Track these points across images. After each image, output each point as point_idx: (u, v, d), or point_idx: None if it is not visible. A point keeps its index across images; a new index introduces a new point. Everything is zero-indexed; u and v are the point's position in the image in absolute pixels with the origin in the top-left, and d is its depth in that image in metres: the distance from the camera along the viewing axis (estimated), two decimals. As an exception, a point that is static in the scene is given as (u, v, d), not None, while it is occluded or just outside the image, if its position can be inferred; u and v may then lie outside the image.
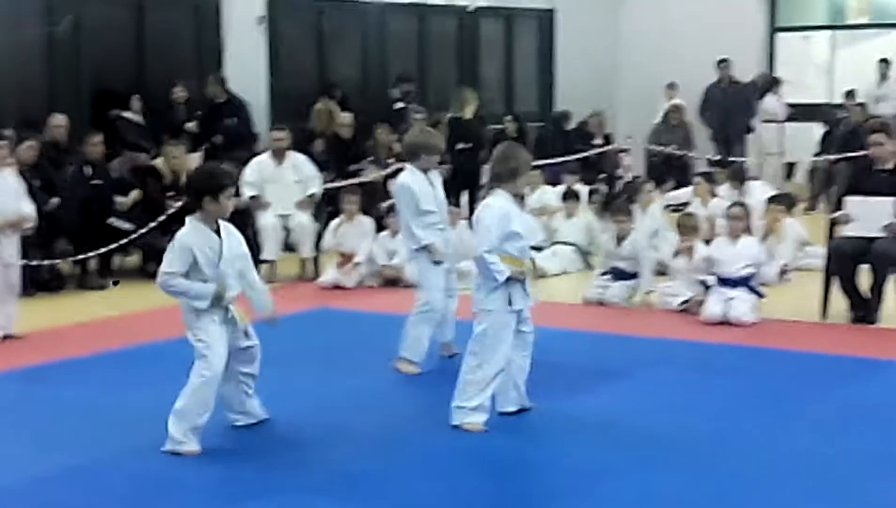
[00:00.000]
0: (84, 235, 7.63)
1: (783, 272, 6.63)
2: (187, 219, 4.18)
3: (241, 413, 4.38)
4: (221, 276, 4.14)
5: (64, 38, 8.88)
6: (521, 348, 4.42)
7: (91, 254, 7.58)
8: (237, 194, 8.16)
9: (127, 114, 9.15)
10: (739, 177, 9.02)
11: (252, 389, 4.39)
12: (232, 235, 4.23)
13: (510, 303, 4.28)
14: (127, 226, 7.78)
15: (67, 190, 7.71)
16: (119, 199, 7.94)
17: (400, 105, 10.47)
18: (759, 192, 8.76)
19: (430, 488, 3.84)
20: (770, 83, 11.93)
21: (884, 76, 11.86)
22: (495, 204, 4.30)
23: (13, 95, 8.61)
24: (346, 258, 7.65)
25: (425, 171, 5.30)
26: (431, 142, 5.32)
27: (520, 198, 4.46)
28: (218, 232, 4.17)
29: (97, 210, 7.81)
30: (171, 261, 4.13)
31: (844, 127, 10.68)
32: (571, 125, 11.68)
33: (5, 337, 6.08)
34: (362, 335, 6.18)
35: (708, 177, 9.02)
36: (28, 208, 6.15)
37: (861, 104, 11.01)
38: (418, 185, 5.23)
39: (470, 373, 4.31)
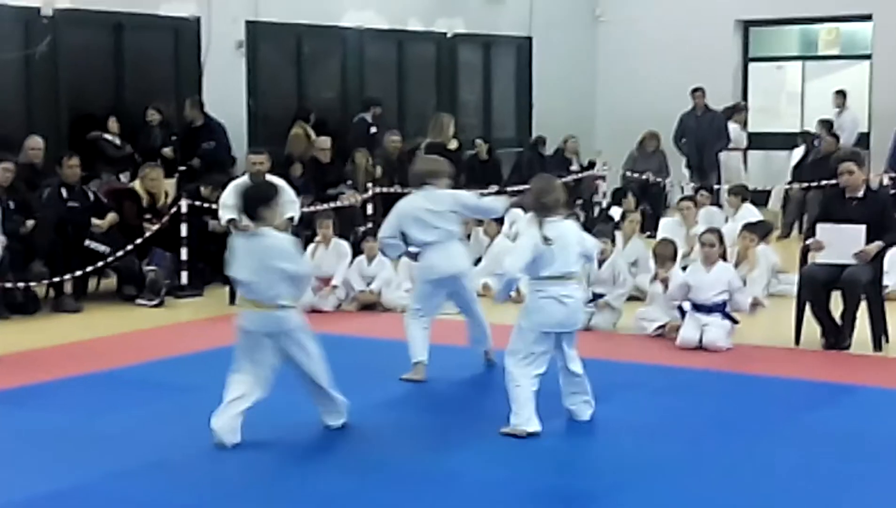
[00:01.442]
0: (59, 257, 7.58)
1: (755, 305, 6.71)
2: None
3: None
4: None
5: (42, 60, 8.86)
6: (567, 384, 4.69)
7: (66, 277, 7.53)
8: (215, 218, 8.22)
9: (107, 136, 9.13)
10: (742, 194, 9.09)
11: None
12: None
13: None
14: (103, 249, 7.74)
15: (43, 212, 7.67)
16: (96, 221, 7.90)
17: (374, 130, 10.53)
18: (747, 217, 8.82)
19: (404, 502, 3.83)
20: (731, 110, 12.10)
21: (840, 107, 12.14)
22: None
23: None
24: (322, 282, 7.65)
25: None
26: (438, 169, 5.59)
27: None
28: None
29: (73, 232, 7.77)
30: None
31: (815, 155, 10.85)
32: (548, 151, 11.79)
33: (-22, 360, 6.02)
34: (339, 358, 6.15)
35: (692, 200, 9.09)
36: None
37: (834, 134, 11.22)
38: (424, 205, 5.50)
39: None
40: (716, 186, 11.04)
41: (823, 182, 9.23)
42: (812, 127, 11.90)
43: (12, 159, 7.76)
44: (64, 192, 7.87)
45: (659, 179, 11.46)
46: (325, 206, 8.85)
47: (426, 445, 4.50)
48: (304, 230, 8.39)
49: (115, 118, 9.16)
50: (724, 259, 6.68)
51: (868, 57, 12.74)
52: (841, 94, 12.31)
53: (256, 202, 4.46)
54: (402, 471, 4.21)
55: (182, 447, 4.48)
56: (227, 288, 8.04)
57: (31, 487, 4.05)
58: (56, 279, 7.51)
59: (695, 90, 11.83)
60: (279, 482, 4.17)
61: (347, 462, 4.36)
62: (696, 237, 7.48)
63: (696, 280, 6.46)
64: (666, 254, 6.91)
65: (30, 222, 7.53)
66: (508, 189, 9.68)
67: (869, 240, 6.07)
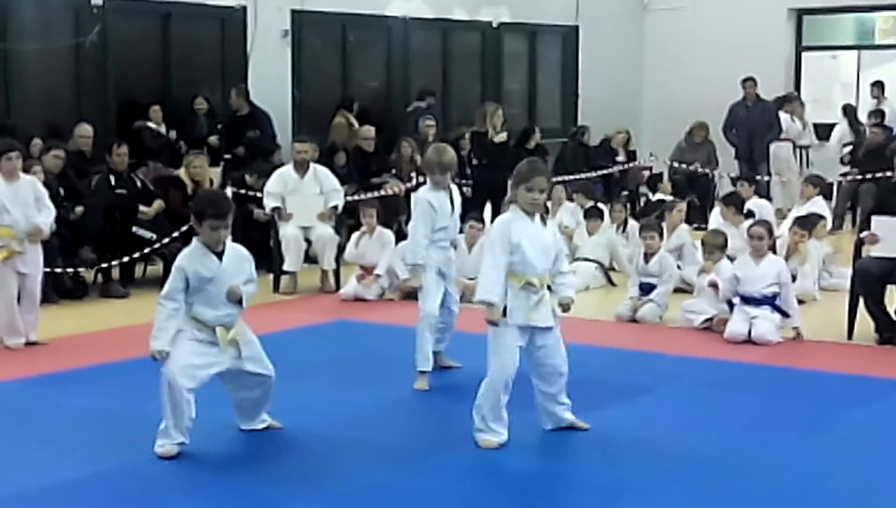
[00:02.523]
0: (108, 243, 7.68)
1: (800, 302, 6.58)
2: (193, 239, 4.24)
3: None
4: (209, 298, 4.16)
5: (91, 49, 8.98)
6: (534, 373, 4.35)
7: (114, 263, 7.63)
8: (260, 206, 8.27)
9: (151, 124, 9.23)
10: (819, 185, 8.89)
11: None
12: (234, 259, 4.21)
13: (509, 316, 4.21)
14: (150, 235, 7.83)
15: (92, 199, 7.77)
16: (142, 208, 7.99)
17: (426, 120, 10.51)
18: (816, 209, 8.62)
19: (446, 502, 3.81)
20: (783, 100, 11.87)
21: (878, 98, 11.86)
22: (504, 219, 4.30)
23: (40, 105, 8.71)
24: (366, 271, 7.65)
25: (446, 187, 5.28)
26: (441, 159, 5.23)
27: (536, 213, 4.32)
28: (220, 254, 4.17)
29: (121, 219, 7.86)
30: (168, 281, 4.22)
31: (867, 147, 10.58)
32: (594, 141, 11.66)
33: (27, 344, 6.11)
34: (381, 347, 6.17)
35: (735, 198, 8.92)
36: (43, 219, 6.13)
37: (884, 126, 10.94)
38: (438, 201, 5.22)
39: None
40: (766, 178, 10.84)
41: (878, 174, 8.99)
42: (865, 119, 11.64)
43: (62, 147, 7.88)
44: (112, 179, 7.96)
45: (707, 171, 11.27)
46: (369, 195, 8.85)
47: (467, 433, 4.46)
48: (348, 219, 8.40)
49: (160, 107, 9.25)
50: (774, 252, 6.54)
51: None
52: (878, 85, 12.00)
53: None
54: (442, 461, 4.18)
55: (220, 431, 4.51)
56: (270, 276, 8.09)
57: (79, 467, 4.11)
58: (104, 265, 7.61)
59: (746, 80, 11.58)
60: (317, 468, 4.15)
61: (384, 452, 4.34)
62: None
63: (744, 273, 6.35)
64: (716, 244, 6.80)
65: (79, 209, 7.64)
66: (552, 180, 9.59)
67: (926, 233, 5.92)
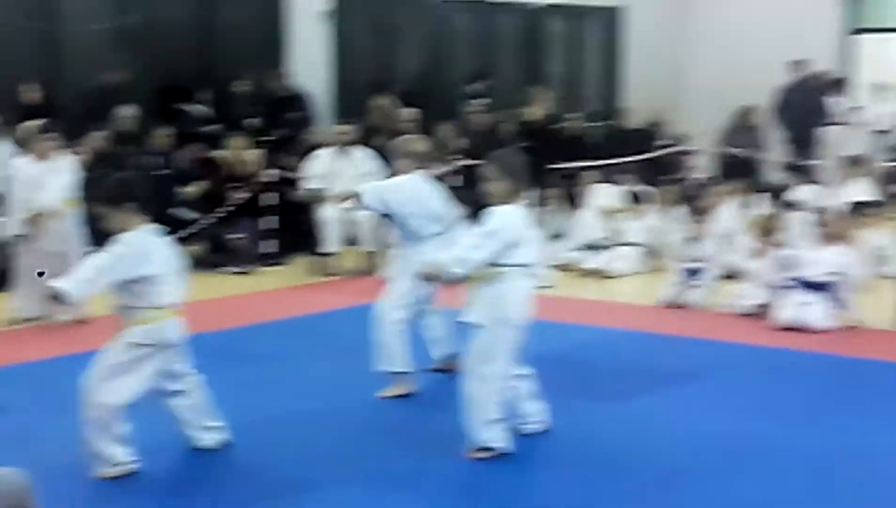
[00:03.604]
0: (153, 221, 7.68)
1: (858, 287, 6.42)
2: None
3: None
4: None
5: (133, 31, 8.99)
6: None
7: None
8: (300, 188, 8.24)
9: (192, 106, 9.22)
10: (865, 168, 8.68)
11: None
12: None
13: None
14: (191, 216, 7.84)
15: (134, 180, 7.78)
16: (184, 189, 8.00)
17: (476, 103, 10.40)
18: (861, 193, 8.42)
19: (470, 479, 3.76)
20: (834, 84, 11.56)
21: None
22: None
23: (84, 87, 8.74)
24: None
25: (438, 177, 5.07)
26: (410, 149, 4.99)
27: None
28: None
29: (162, 200, 7.87)
30: None
31: None
32: (637, 125, 11.46)
33: (75, 321, 6.13)
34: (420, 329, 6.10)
35: (782, 186, 8.73)
36: (52, 198, 6.05)
37: None
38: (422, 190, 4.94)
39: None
40: (815, 163, 10.57)
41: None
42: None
43: (106, 128, 7.90)
44: (154, 160, 7.98)
45: (755, 155, 11.03)
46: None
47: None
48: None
49: (203, 89, 9.24)
50: (839, 240, 6.38)
51: None
52: None
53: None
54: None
55: (260, 412, 4.48)
56: (310, 257, 8.07)
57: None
58: (145, 246, 7.62)
59: (796, 62, 11.31)
60: (358, 448, 4.10)
61: (417, 429, 4.25)
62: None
63: (806, 255, 6.20)
64: (768, 228, 6.64)
65: (121, 190, 7.65)
66: (595, 164, 9.45)
67: None
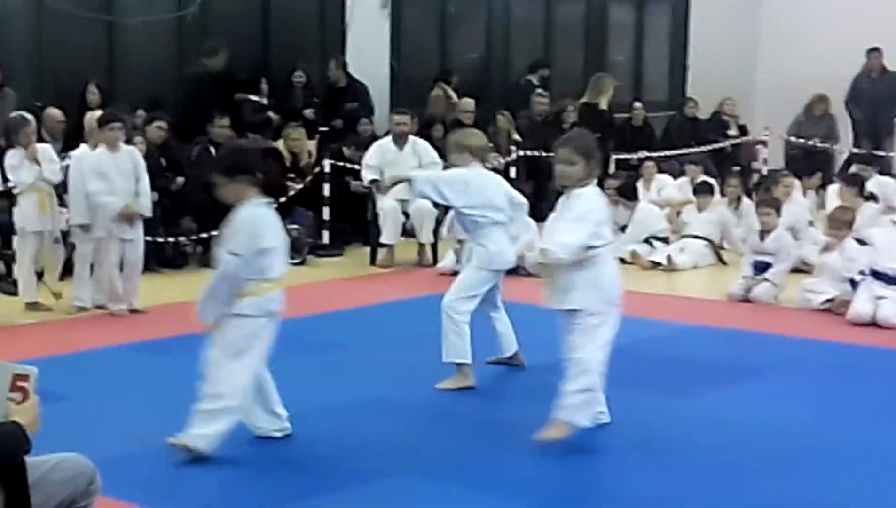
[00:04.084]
0: (207, 214, 7.70)
1: None
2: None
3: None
4: None
5: (192, 22, 9.02)
6: None
7: (214, 233, 7.65)
8: (357, 179, 8.18)
9: (253, 96, 9.24)
10: None
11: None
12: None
13: None
14: (247, 206, 7.83)
15: (193, 170, 7.82)
16: (241, 180, 7.99)
17: (539, 92, 10.26)
18: None
19: (535, 472, 3.68)
20: None
21: None
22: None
23: (144, 77, 8.81)
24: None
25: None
26: (467, 144, 4.86)
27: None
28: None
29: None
30: None
31: None
32: (703, 115, 11.17)
33: (130, 311, 6.17)
34: (477, 322, 5.99)
35: (856, 177, 8.40)
36: (143, 201, 6.14)
37: None
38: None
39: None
40: (891, 154, 10.19)
41: None
42: None
43: (165, 118, 7.94)
44: (213, 150, 7.98)
45: (827, 145, 10.66)
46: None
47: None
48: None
49: (265, 79, 9.24)
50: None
51: None
52: None
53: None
54: (531, 433, 3.98)
55: (317, 402, 4.44)
56: (367, 248, 8.00)
57: (173, 430, 4.06)
58: (204, 235, 7.65)
59: (871, 50, 10.94)
60: (418, 439, 4.00)
61: (475, 423, 4.18)
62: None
63: (885, 243, 5.96)
64: (842, 220, 6.39)
65: (180, 180, 7.69)
66: (658, 155, 9.23)
67: None
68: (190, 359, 5.16)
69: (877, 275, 5.93)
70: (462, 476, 3.66)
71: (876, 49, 10.95)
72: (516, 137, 9.62)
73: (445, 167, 5.18)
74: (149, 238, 6.57)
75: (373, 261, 7.90)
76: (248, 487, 3.65)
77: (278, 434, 4.00)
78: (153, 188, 6.59)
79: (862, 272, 6.00)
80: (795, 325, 5.93)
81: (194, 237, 7.66)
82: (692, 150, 10.17)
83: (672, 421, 4.21)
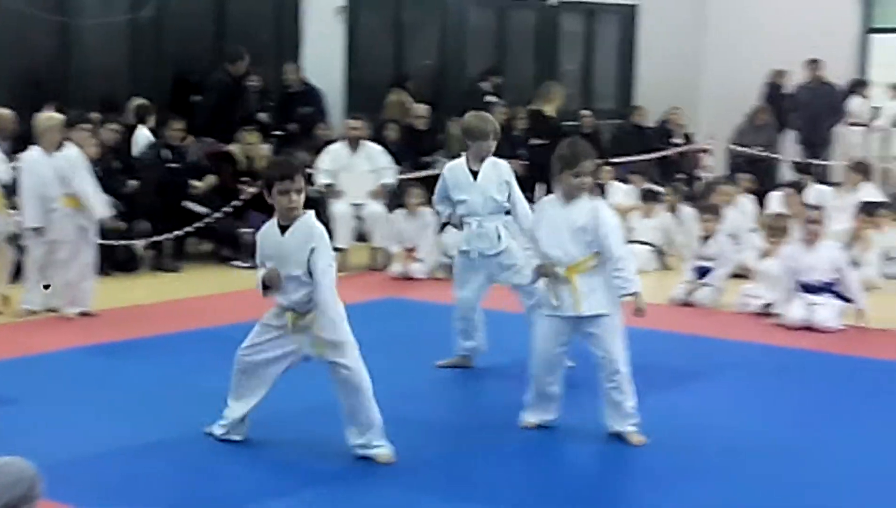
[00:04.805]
0: (160, 217, 7.72)
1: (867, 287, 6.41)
2: None
3: None
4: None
5: (147, 24, 9.01)
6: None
7: (166, 236, 7.67)
8: (311, 183, 8.24)
9: (202, 99, 9.23)
10: (863, 171, 8.70)
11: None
12: (298, 236, 3.73)
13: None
14: (202, 210, 7.86)
15: (145, 173, 7.82)
16: (194, 183, 8.02)
17: (491, 99, 10.40)
18: (866, 195, 8.42)
19: (495, 477, 3.76)
20: (855, 85, 11.53)
21: None
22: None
23: (97, 79, 8.77)
24: (408, 252, 7.60)
25: (480, 159, 4.98)
26: (482, 127, 4.96)
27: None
28: (284, 229, 3.76)
29: (173, 193, 7.90)
30: None
31: None
32: (650, 123, 11.42)
33: (82, 314, 6.18)
34: (430, 325, 6.11)
35: (795, 186, 8.75)
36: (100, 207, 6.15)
37: None
38: (455, 172, 4.99)
39: None
40: (830, 163, 10.52)
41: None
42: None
43: (118, 120, 7.93)
44: (165, 153, 8.00)
45: (768, 154, 10.98)
46: (414, 174, 8.77)
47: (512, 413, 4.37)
48: (395, 198, 8.33)
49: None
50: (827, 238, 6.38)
51: None
52: None
53: None
54: (492, 438, 4.10)
55: (276, 404, 4.48)
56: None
57: (136, 436, 4.11)
58: (156, 239, 7.66)
59: (810, 62, 11.27)
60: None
61: (435, 428, 4.29)
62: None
63: (799, 261, 6.20)
64: (779, 227, 6.64)
65: (132, 183, 7.68)
66: (607, 162, 9.43)
67: None
68: (141, 363, 5.22)
69: (804, 287, 6.14)
70: (415, 480, 3.71)
71: (815, 61, 11.28)
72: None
73: (454, 156, 5.36)
74: (101, 241, 6.57)
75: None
76: (199, 490, 3.67)
77: (239, 438, 4.00)
78: (105, 191, 6.59)
79: (798, 279, 6.20)
80: (735, 329, 6.10)
81: (146, 241, 7.66)
82: (639, 157, 10.40)
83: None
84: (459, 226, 5.05)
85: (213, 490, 3.64)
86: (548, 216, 4.07)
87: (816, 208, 6.61)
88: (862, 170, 8.81)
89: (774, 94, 11.61)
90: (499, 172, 4.99)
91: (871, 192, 8.54)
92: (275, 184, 3.72)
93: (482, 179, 4.95)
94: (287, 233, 3.76)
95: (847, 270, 6.17)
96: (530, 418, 4.19)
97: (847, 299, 6.12)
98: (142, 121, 8.35)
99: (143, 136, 8.20)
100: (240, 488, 3.68)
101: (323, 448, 4.01)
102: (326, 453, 3.97)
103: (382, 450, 3.83)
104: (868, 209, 7.69)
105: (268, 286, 3.82)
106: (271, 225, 3.83)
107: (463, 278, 5.07)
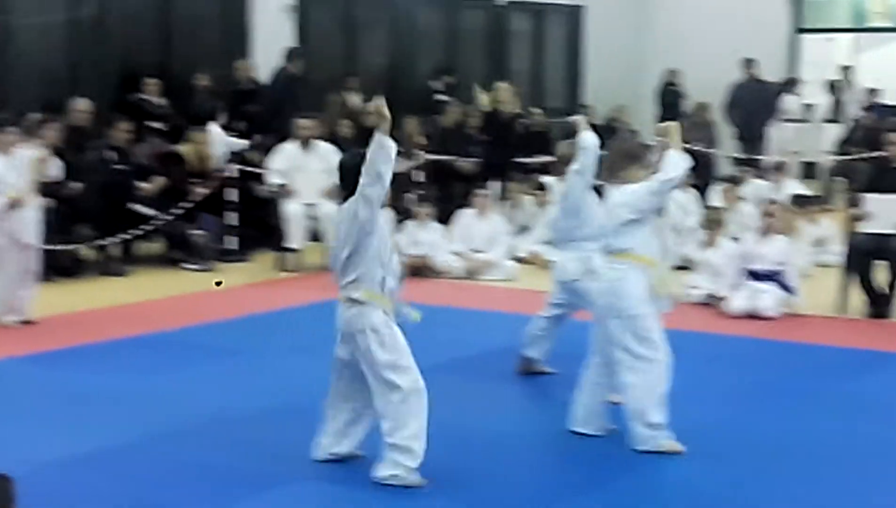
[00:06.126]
0: (106, 220, 7.51)
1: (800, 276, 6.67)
2: None
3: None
4: None
5: (89, 22, 8.78)
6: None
7: (113, 240, 7.47)
8: (262, 183, 8.11)
9: (149, 98, 9.03)
10: (780, 169, 9.10)
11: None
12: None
13: None
14: (150, 212, 7.67)
15: (90, 175, 7.60)
16: (143, 185, 7.82)
17: (443, 98, 10.37)
18: (788, 190, 8.80)
19: (432, 473, 3.68)
20: (788, 82, 11.89)
21: (849, 82, 11.87)
22: None
23: (37, 79, 8.52)
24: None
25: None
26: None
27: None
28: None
29: (119, 195, 7.69)
30: None
31: (861, 129, 10.71)
32: (598, 120, 11.48)
33: (22, 322, 5.95)
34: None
35: (733, 180, 9.04)
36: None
37: (873, 106, 11.03)
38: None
39: None
40: (765, 158, 10.79)
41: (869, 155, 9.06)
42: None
43: (59, 121, 7.69)
44: (111, 155, 7.79)
45: (708, 150, 11.15)
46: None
47: (479, 408, 4.33)
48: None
49: (158, 80, 9.05)
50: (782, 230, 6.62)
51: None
52: (848, 69, 12.09)
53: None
54: (461, 435, 4.04)
55: (225, 409, 4.39)
56: (273, 253, 7.93)
57: (77, 446, 3.99)
58: (102, 243, 7.45)
59: (746, 61, 11.58)
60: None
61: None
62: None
63: (752, 250, 6.41)
64: (719, 220, 6.91)
65: (76, 185, 7.46)
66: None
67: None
68: (81, 371, 5.06)
69: (752, 275, 6.32)
70: (365, 480, 3.64)
71: (750, 60, 11.57)
72: (423, 141, 9.70)
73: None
74: (43, 246, 6.35)
75: (280, 266, 7.85)
76: (147, 497, 3.57)
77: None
78: (46, 194, 6.39)
79: (740, 270, 6.37)
80: (678, 318, 6.17)
81: (92, 245, 7.44)
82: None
83: (556, 413, 4.28)
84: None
85: (157, 499, 3.53)
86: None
87: (775, 202, 6.81)
88: (782, 168, 9.17)
89: (668, 91, 12.00)
90: None
91: (794, 186, 8.90)
92: None
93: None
94: None
95: (793, 262, 6.37)
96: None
97: (788, 289, 6.32)
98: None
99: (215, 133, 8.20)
100: (184, 497, 3.57)
101: (272, 452, 3.92)
102: (277, 456, 3.88)
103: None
104: (798, 202, 7.97)
105: None
106: None
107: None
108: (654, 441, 3.89)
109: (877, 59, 12.78)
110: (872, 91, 11.53)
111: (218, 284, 6.11)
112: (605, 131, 11.11)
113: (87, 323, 6.07)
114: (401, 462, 3.53)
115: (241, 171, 8.28)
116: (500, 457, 3.93)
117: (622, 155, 3.99)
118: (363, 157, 3.57)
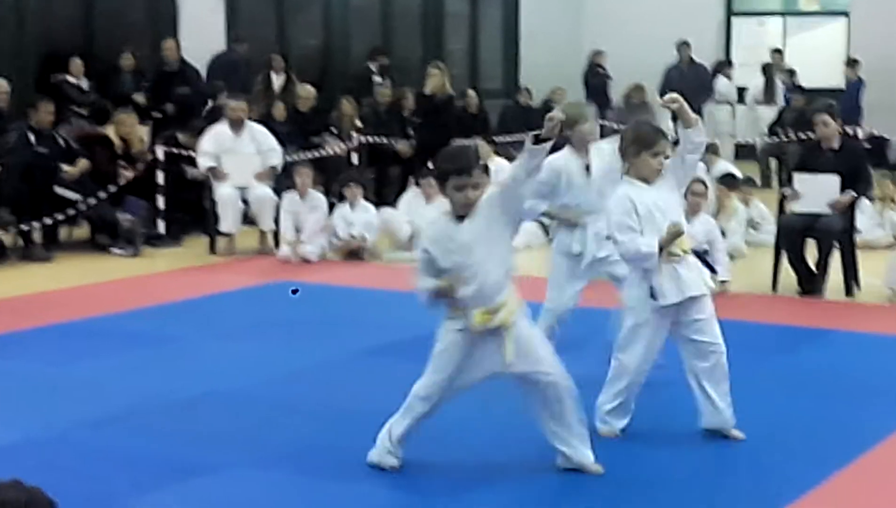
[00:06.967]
0: (27, 204, 7.29)
1: (730, 257, 6.75)
2: None
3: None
4: (458, 270, 3.37)
5: (6, 1, 8.46)
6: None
7: (35, 225, 7.25)
8: (193, 165, 7.95)
9: (71, 78, 8.77)
10: (712, 151, 9.29)
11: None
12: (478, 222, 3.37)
13: (652, 296, 3.78)
14: (74, 196, 7.46)
15: (9, 158, 7.35)
16: (66, 168, 7.60)
17: (378, 80, 10.29)
18: (720, 170, 8.97)
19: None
20: (721, 65, 12.10)
21: (779, 65, 12.19)
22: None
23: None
24: (298, 234, 7.44)
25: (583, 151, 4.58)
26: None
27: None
28: (462, 218, 3.38)
29: (41, 179, 7.46)
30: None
31: (791, 111, 10.91)
32: (535, 102, 11.56)
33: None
34: (321, 308, 6.00)
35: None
36: None
37: (802, 89, 11.27)
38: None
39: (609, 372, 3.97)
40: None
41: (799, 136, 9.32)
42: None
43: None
44: (32, 137, 7.54)
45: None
46: (304, 155, 8.59)
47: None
48: (286, 180, 8.13)
49: (81, 60, 8.79)
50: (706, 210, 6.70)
51: (846, 14, 12.84)
52: (779, 52, 12.28)
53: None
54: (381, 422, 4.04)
55: (154, 396, 4.31)
56: (206, 237, 7.80)
57: (3, 435, 3.86)
58: (24, 228, 7.23)
59: (680, 43, 11.74)
60: (256, 430, 3.98)
61: (319, 409, 4.19)
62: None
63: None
64: None
65: (-7, 168, 7.23)
66: (496, 140, 9.47)
67: (843, 190, 6.14)
68: (9, 358, 4.90)
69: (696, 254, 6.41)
70: (302, 465, 3.61)
71: (685, 42, 11.75)
72: (358, 123, 9.63)
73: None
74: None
75: (212, 250, 7.72)
76: (72, 487, 3.47)
77: None
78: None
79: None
80: (604, 298, 6.15)
81: (13, 230, 7.21)
82: (525, 136, 10.52)
83: (501, 392, 4.24)
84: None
85: (81, 488, 3.40)
86: (640, 202, 3.82)
87: (701, 181, 6.84)
88: (712, 150, 9.38)
89: (594, 73, 12.17)
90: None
91: (726, 167, 9.03)
92: (450, 178, 3.39)
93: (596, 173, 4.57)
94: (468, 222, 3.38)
95: (719, 242, 6.46)
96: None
97: (713, 270, 6.41)
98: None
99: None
100: (109, 486, 3.48)
101: (199, 440, 3.86)
102: (204, 443, 3.82)
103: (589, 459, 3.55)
104: (727, 182, 8.11)
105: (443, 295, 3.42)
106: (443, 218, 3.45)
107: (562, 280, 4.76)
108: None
109: (804, 42, 13.06)
110: (792, 73, 11.80)
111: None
112: (542, 113, 11.25)
113: (9, 310, 5.88)
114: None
115: (168, 153, 8.10)
116: (452, 443, 3.90)
117: (631, 141, 3.84)
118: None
